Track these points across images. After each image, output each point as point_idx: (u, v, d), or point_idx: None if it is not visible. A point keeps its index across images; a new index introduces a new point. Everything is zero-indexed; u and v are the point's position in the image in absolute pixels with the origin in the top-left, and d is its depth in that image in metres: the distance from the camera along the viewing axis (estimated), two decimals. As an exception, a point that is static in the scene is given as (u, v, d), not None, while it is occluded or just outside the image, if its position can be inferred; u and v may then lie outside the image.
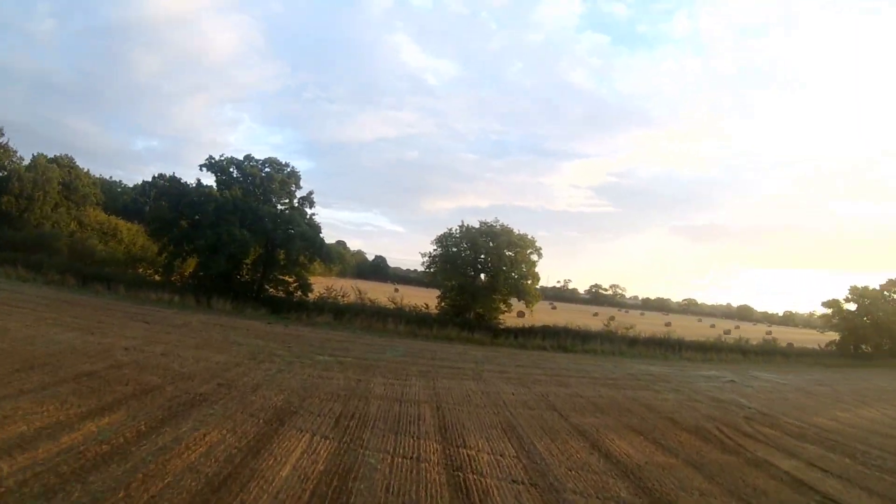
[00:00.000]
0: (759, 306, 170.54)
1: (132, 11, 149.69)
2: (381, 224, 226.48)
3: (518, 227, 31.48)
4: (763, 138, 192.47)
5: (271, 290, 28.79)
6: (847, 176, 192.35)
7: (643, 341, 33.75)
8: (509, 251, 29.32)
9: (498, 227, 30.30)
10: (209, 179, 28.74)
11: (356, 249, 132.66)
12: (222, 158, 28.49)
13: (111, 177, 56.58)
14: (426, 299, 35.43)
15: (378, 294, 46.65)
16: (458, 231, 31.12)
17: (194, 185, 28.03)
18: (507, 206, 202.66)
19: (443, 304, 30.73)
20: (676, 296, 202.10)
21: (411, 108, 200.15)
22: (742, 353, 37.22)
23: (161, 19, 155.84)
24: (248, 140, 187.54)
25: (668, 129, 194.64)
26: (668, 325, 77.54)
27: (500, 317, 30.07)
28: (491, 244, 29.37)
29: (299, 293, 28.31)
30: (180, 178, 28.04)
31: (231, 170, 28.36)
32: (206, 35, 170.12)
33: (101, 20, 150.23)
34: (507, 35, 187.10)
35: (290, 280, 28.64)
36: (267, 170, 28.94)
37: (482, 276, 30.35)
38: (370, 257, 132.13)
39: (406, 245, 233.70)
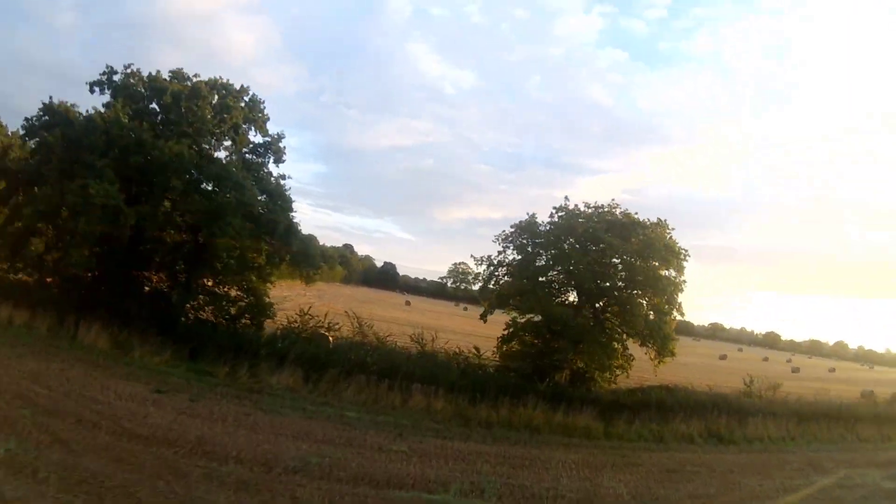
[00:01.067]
0: (784, 334, 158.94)
1: (155, 7, 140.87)
2: (390, 231, 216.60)
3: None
4: (780, 159, 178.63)
5: (199, 312, 15.30)
6: (860, 204, 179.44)
7: (808, 413, 21.47)
8: (644, 260, 15.54)
9: (619, 213, 16.66)
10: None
11: (364, 255, 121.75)
12: (127, 71, 15.58)
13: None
14: (449, 318, 23.17)
15: (387, 308, 34.53)
16: (550, 222, 17.16)
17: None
18: (519, 218, 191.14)
19: (505, 348, 16.77)
20: (698, 319, 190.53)
21: (428, 117, 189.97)
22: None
23: (182, 16, 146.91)
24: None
25: (685, 148, 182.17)
26: (723, 357, 65.61)
27: (609, 378, 16.77)
28: (616, 247, 15.48)
29: (247, 320, 15.05)
30: (53, 103, 15.43)
31: (142, 91, 15.43)
32: (225, 34, 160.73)
33: (123, 15, 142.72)
34: (527, 48, 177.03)
35: (234, 294, 15.30)
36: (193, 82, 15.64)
37: (594, 303, 16.58)
38: (379, 263, 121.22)
39: (416, 254, 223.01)
